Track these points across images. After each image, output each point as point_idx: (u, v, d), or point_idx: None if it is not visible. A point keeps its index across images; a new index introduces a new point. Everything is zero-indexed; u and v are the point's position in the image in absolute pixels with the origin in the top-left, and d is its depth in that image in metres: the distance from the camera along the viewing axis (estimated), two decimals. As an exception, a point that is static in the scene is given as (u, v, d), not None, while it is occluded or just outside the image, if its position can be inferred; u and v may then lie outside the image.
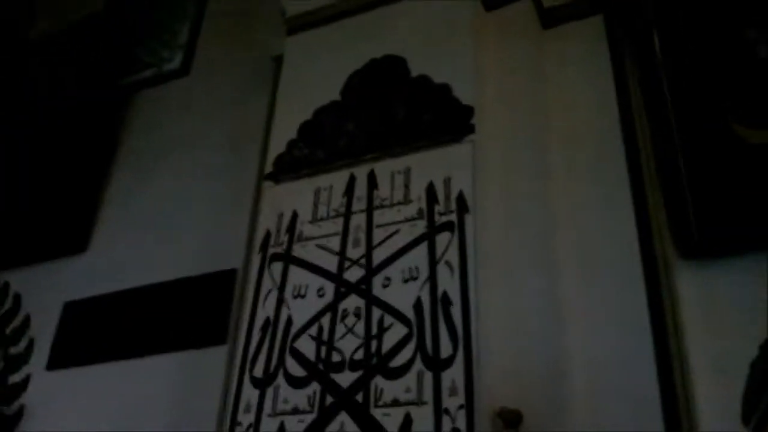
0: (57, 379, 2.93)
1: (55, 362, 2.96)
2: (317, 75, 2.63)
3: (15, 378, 3.02)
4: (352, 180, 2.33)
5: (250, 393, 2.10)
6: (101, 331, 2.94)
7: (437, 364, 1.91)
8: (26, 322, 3.17)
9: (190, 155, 3.23)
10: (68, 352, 2.97)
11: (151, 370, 2.75)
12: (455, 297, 2.00)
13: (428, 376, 1.91)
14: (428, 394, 1.88)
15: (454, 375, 1.89)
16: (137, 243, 3.12)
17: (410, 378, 1.93)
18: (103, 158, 3.45)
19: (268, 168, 2.52)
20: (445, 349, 1.93)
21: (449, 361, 1.91)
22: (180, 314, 2.79)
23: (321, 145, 2.45)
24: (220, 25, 3.63)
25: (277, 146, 2.55)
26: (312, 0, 2.77)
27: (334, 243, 2.24)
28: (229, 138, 3.14)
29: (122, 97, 3.66)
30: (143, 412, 2.63)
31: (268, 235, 2.37)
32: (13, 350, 3.12)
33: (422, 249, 2.10)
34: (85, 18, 3.89)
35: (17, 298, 3.28)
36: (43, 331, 3.10)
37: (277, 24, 2.99)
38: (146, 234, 3.12)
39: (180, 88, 3.53)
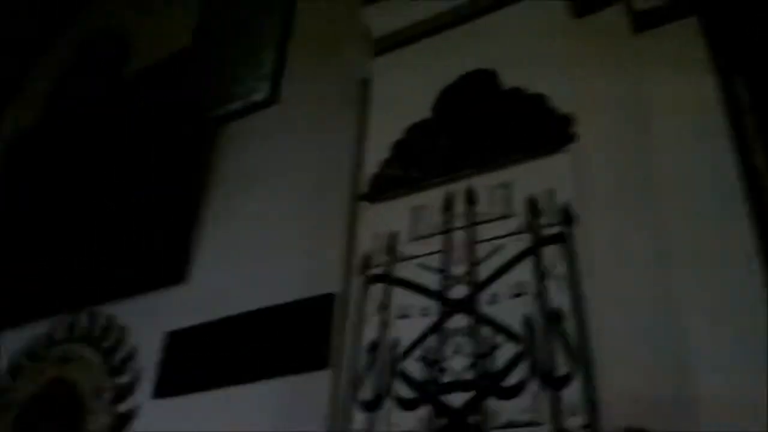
0: (163, 408, 2.98)
1: (161, 391, 3.01)
2: (407, 93, 2.62)
3: (123, 407, 3.09)
4: (449, 197, 2.30)
5: (359, 417, 2.07)
6: (204, 360, 2.97)
7: (554, 383, 1.84)
8: (132, 352, 3.25)
9: (282, 181, 3.26)
10: (173, 381, 3.01)
11: (253, 397, 2.75)
12: (568, 311, 1.92)
13: (545, 396, 1.84)
14: (546, 414, 1.81)
15: (573, 393, 1.81)
16: (234, 271, 3.16)
17: (526, 398, 1.86)
18: (196, 189, 3.52)
19: (363, 188, 2.51)
20: (562, 367, 1.85)
21: (567, 379, 1.83)
22: (280, 340, 2.80)
23: (415, 163, 2.43)
24: (304, 52, 3.67)
25: (371, 166, 2.54)
26: (397, 20, 2.76)
27: (436, 261, 2.20)
28: (319, 161, 3.16)
29: (212, 129, 3.73)
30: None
31: (367, 256, 2.35)
32: (120, 380, 3.19)
33: (529, 263, 2.05)
34: (176, 53, 4.00)
35: (123, 329, 3.37)
36: (148, 361, 3.16)
37: (363, 46, 3.00)
38: (242, 261, 3.16)
39: (268, 114, 3.58)
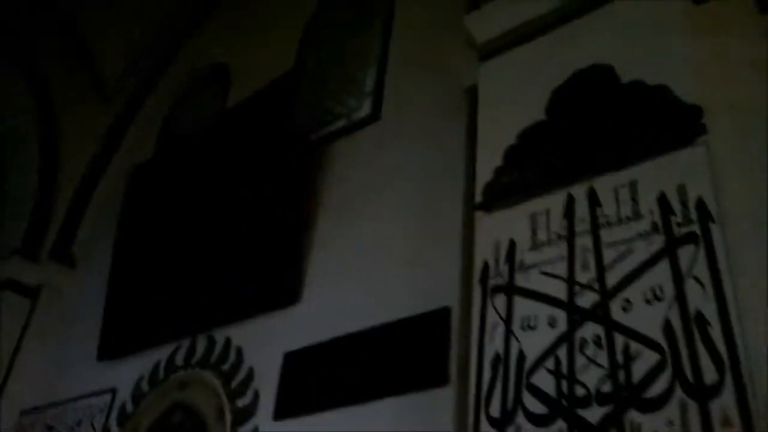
0: (284, 429, 2.97)
1: (282, 412, 3.01)
2: (516, 97, 2.53)
3: (244, 429, 3.10)
4: (570, 200, 2.19)
5: (489, 434, 1.97)
6: (322, 379, 2.95)
7: (702, 393, 1.69)
8: (250, 374, 3.27)
9: (389, 196, 3.23)
10: (292, 402, 3.01)
11: (374, 416, 2.71)
12: (712, 316, 1.77)
13: (692, 407, 1.69)
14: (696, 427, 1.66)
15: (724, 404, 1.66)
16: (348, 289, 3.14)
17: (671, 410, 1.72)
18: (305, 210, 3.53)
19: (478, 198, 2.43)
20: (709, 376, 1.70)
21: (716, 389, 1.68)
22: (398, 357, 2.74)
23: (531, 168, 2.33)
24: (404, 67, 3.65)
25: (484, 174, 2.46)
26: (501, 23, 2.69)
27: (560, 268, 2.10)
28: (428, 174, 3.11)
29: (316, 151, 3.75)
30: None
31: (486, 267, 2.27)
32: (240, 403, 3.22)
33: (663, 266, 1.91)
34: (277, 80, 4.06)
35: (239, 351, 3.40)
36: (266, 382, 3.17)
37: (466, 54, 2.94)
38: (355, 279, 3.14)
39: (371, 132, 3.56)
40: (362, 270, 3.13)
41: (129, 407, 3.81)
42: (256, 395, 3.18)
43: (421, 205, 3.05)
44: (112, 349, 4.12)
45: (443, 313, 2.68)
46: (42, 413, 4.41)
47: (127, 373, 3.96)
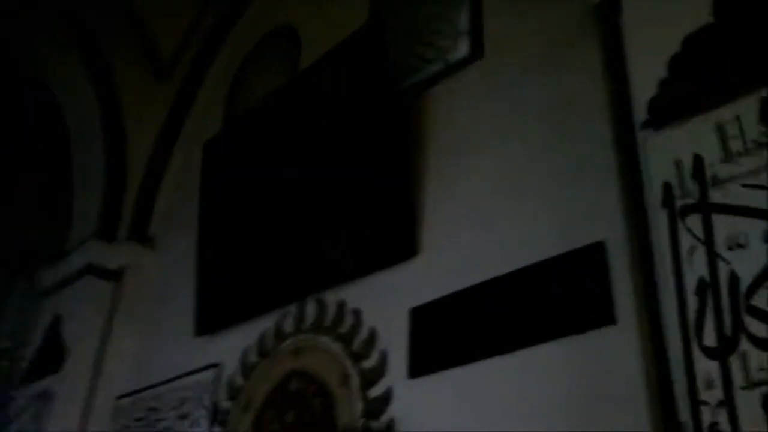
0: (422, 387, 2.79)
1: (417, 370, 2.83)
2: (672, 4, 2.28)
3: (376, 392, 2.93)
4: (765, 104, 1.94)
5: (706, 366, 1.76)
6: (460, 332, 2.76)
7: None
8: (372, 334, 3.09)
9: (508, 136, 3.00)
10: (428, 358, 2.82)
11: (525, 365, 2.51)
12: None
13: None
14: None
15: None
16: (472, 236, 2.94)
17: None
18: (410, 159, 3.31)
19: (640, 116, 2.20)
20: None
21: None
22: (547, 301, 2.53)
23: (706, 76, 2.09)
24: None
25: (644, 90, 2.23)
26: None
27: (764, 178, 1.86)
28: (553, 105, 2.87)
29: (412, 97, 3.53)
30: (536, 411, 2.40)
31: (668, 187, 2.04)
32: (366, 364, 3.04)
33: None
34: (356, 32, 3.82)
35: (356, 312, 3.22)
36: (392, 341, 2.99)
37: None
38: (480, 225, 2.93)
39: (475, 69, 3.33)
40: (487, 215, 2.93)
41: (238, 380, 3.66)
42: (383, 355, 3.00)
43: (550, 138, 2.82)
44: (210, 323, 3.98)
45: (596, 248, 2.46)
46: (141, 396, 4.29)
47: (230, 346, 3.82)
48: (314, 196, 3.61)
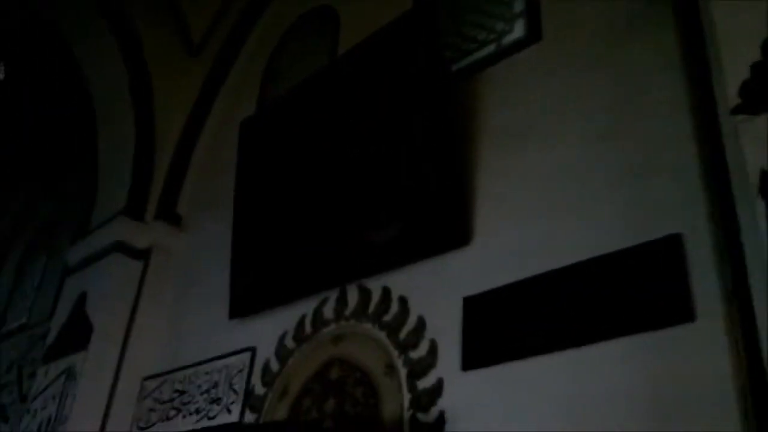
0: (477, 380, 2.69)
1: (471, 362, 2.71)
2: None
3: (425, 383, 2.82)
4: None
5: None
6: (516, 325, 2.65)
7: None
8: (421, 323, 2.98)
9: (571, 121, 2.88)
10: (482, 351, 2.71)
11: (594, 362, 2.40)
12: None
13: None
14: None
15: None
16: (528, 226, 2.82)
17: None
18: (460, 144, 3.19)
19: (732, 100, 2.07)
20: None
21: None
22: (617, 295, 2.41)
23: (807, 60, 1.96)
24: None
25: (735, 73, 2.09)
26: None
27: None
28: (619, 91, 2.75)
29: (463, 81, 3.41)
30: (599, 411, 2.29)
31: (765, 176, 1.91)
32: (413, 354, 2.93)
33: None
34: (401, 16, 3.69)
35: (403, 299, 3.11)
36: (443, 331, 2.88)
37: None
38: (536, 215, 2.82)
39: (532, 53, 3.20)
40: (550, 202, 2.80)
41: (274, 365, 3.57)
42: (433, 346, 2.89)
43: (622, 125, 2.69)
44: (245, 306, 3.88)
45: (672, 241, 2.34)
46: (168, 378, 4.20)
47: (266, 331, 3.72)
48: (360, 179, 3.49)
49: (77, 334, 4.53)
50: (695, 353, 2.15)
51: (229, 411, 3.66)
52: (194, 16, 5.55)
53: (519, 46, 3.31)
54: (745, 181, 1.98)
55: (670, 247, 2.34)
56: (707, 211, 2.26)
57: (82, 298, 4.72)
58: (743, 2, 2.17)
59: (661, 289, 2.31)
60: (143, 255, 4.74)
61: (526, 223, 2.84)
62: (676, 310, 2.24)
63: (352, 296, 3.36)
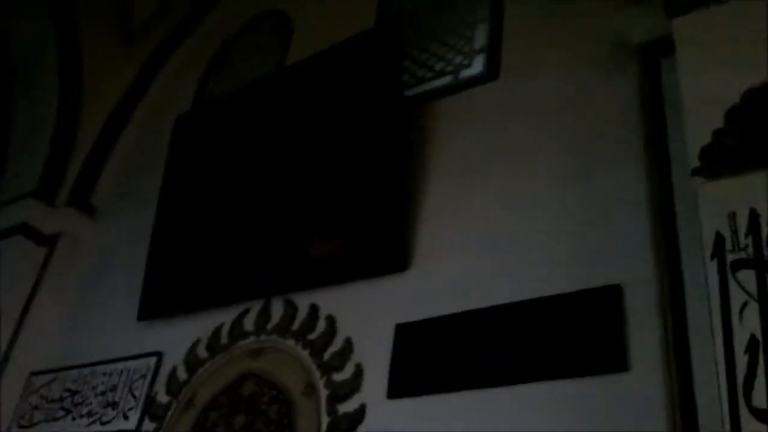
0: (402, 409, 2.62)
1: (397, 390, 2.65)
2: (731, 56, 2.24)
3: (347, 407, 2.74)
4: (830, 167, 1.90)
5: (756, 428, 1.68)
6: (449, 357, 2.61)
7: None
8: (348, 345, 2.90)
9: (522, 160, 2.90)
10: (411, 380, 2.65)
11: (518, 401, 2.39)
12: None
13: None
14: None
15: None
16: (468, 260, 2.81)
17: None
18: (407, 170, 3.16)
19: (693, 162, 2.13)
20: None
21: None
22: (553, 338, 2.42)
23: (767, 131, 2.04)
24: (528, 22, 3.30)
25: (697, 137, 2.16)
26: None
27: (826, 244, 1.81)
28: (570, 137, 2.79)
29: (415, 108, 3.39)
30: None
31: (720, 239, 1.96)
32: (337, 377, 2.84)
33: None
34: (350, 39, 3.67)
35: (331, 319, 3.02)
36: (370, 356, 2.81)
37: (630, 7, 2.67)
38: (482, 250, 2.80)
39: (490, 90, 3.23)
40: (491, 241, 2.80)
41: (182, 374, 3.38)
42: (359, 370, 2.81)
43: (574, 169, 2.73)
44: (156, 308, 3.68)
45: (613, 291, 2.37)
46: (59, 375, 3.91)
47: (176, 336, 3.54)
48: (302, 191, 3.40)
49: (-38, 315, 4.16)
50: (628, 402, 2.16)
51: (125, 417, 3.43)
52: (137, 2, 5.32)
53: (476, 81, 3.33)
54: (697, 240, 2.03)
55: (610, 297, 2.36)
56: (652, 264, 2.30)
57: (-28, 278, 4.35)
58: (712, 71, 2.27)
59: (598, 337, 2.33)
60: (48, 241, 4.44)
61: (466, 256, 2.82)
62: (611, 358, 2.26)
63: (277, 310, 3.24)
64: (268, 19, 4.74)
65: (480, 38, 3.48)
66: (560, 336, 2.41)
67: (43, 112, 4.85)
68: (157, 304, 3.66)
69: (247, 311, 3.34)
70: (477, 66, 3.40)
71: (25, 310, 4.18)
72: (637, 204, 2.45)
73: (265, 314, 3.26)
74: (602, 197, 2.59)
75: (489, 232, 2.82)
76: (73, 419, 3.66)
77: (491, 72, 3.29)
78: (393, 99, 3.29)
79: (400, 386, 2.66)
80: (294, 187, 3.43)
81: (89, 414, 3.60)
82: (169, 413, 3.28)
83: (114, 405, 3.52)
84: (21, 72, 5.00)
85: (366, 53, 3.51)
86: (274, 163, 3.57)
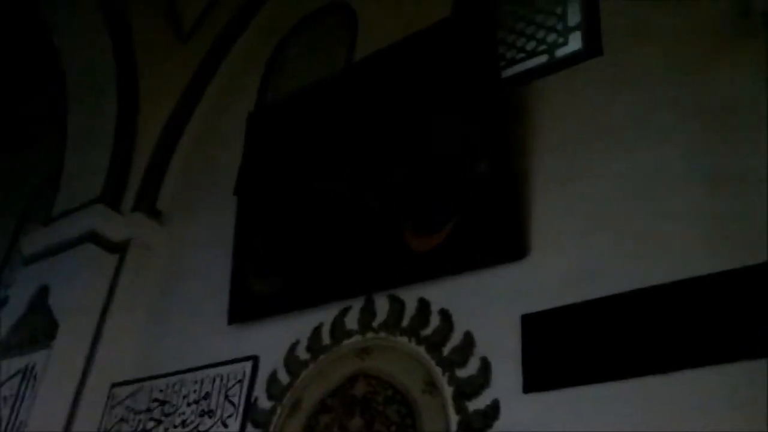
0: (539, 403, 2.48)
1: (534, 384, 2.51)
2: None
3: (477, 404, 2.60)
4: None
5: None
6: (588, 346, 2.47)
7: None
8: (468, 339, 2.76)
9: (641, 139, 2.76)
10: (546, 372, 2.51)
11: (668, 390, 2.25)
12: None
13: None
14: None
15: None
16: (592, 246, 2.67)
17: None
18: (511, 152, 3.01)
19: None
20: None
21: None
22: (696, 323, 2.27)
23: None
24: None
25: None
26: None
27: None
28: (699, 111, 2.65)
29: (513, 90, 3.25)
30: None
31: None
32: (461, 373, 2.70)
33: None
34: (436, 25, 3.53)
35: (445, 313, 2.89)
36: (496, 349, 2.68)
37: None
38: (595, 234, 2.67)
39: (592, 69, 3.09)
40: (613, 220, 2.67)
41: (283, 377, 3.25)
42: (485, 364, 2.67)
43: (700, 143, 2.59)
44: (247, 311, 3.56)
45: (758, 272, 2.22)
46: (144, 385, 3.80)
47: (270, 339, 3.42)
48: (391, 183, 3.27)
49: (38, 329, 4.06)
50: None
51: (225, 425, 3.31)
52: (185, 2, 5.21)
53: (577, 59, 3.19)
54: None
55: (753, 279, 2.22)
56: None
57: (43, 291, 4.25)
58: None
59: (748, 319, 2.18)
60: (119, 248, 4.33)
61: (588, 241, 2.70)
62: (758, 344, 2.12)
63: (381, 306, 3.11)
64: (328, 13, 4.61)
65: (574, 15, 3.34)
66: (716, 318, 2.26)
67: (101, 118, 4.73)
68: (248, 306, 3.55)
69: (347, 309, 3.21)
70: (574, 43, 3.26)
71: (102, 320, 4.07)
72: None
73: (368, 311, 3.13)
74: (736, 167, 2.44)
75: (611, 214, 2.69)
76: (166, 429, 3.54)
77: (593, 48, 3.15)
78: (490, 82, 3.15)
79: (536, 380, 2.52)
80: (387, 180, 3.30)
81: (183, 424, 3.48)
82: (274, 418, 3.15)
83: (210, 413, 3.40)
84: (75, 81, 4.88)
85: (456, 38, 3.37)
86: (364, 156, 3.44)
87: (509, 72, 3.39)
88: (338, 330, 3.19)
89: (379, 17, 4.22)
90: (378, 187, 3.33)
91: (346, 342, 3.14)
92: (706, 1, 2.87)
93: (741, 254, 2.31)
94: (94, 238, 4.28)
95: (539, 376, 2.52)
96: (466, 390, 2.66)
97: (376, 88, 3.61)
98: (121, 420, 3.78)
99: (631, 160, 2.74)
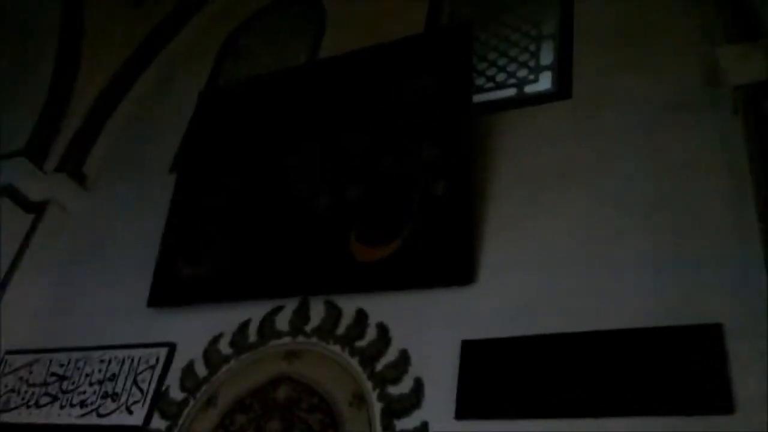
0: (470, 431, 2.46)
1: (467, 411, 2.49)
2: None
3: (406, 424, 2.56)
4: None
5: None
6: (527, 380, 2.48)
7: None
8: (404, 358, 2.73)
9: (601, 187, 2.82)
10: (482, 401, 2.50)
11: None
12: None
13: None
14: None
15: None
16: (540, 283, 2.70)
17: None
18: (467, 177, 3.02)
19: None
20: None
21: None
22: (637, 371, 2.33)
23: None
24: (600, 47, 3.25)
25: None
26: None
27: None
28: (664, 167, 2.74)
29: (475, 116, 3.27)
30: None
31: None
32: (392, 390, 2.66)
33: None
34: (412, 37, 3.54)
35: (383, 327, 2.84)
36: (432, 371, 2.65)
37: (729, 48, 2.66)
38: (551, 274, 2.71)
39: (560, 110, 3.15)
40: (567, 263, 2.71)
41: (200, 369, 3.11)
42: (418, 384, 2.64)
43: (659, 196, 2.67)
44: (170, 295, 3.38)
45: (714, 330, 2.30)
46: (42, 357, 3.55)
47: (191, 327, 3.28)
48: (344, 185, 3.22)
49: (-69, 281, 3.74)
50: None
51: (129, 411, 3.13)
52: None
53: (545, 98, 3.25)
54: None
55: (710, 336, 2.29)
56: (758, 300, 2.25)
57: (-57, 241, 3.92)
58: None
59: (696, 374, 2.25)
60: (36, 208, 4.05)
61: (537, 277, 2.73)
62: (713, 399, 2.19)
63: (317, 311, 3.03)
64: (295, 6, 4.52)
65: (547, 55, 3.40)
66: (653, 371, 2.32)
67: (38, 69, 4.46)
68: (171, 290, 3.39)
69: (279, 308, 3.12)
70: (544, 82, 3.32)
71: (5, 281, 3.78)
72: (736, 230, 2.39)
73: (302, 314, 3.05)
74: (685, 229, 2.53)
75: (563, 255, 2.72)
76: (62, 407, 3.32)
77: (563, 90, 3.21)
78: (460, 104, 3.16)
79: (471, 406, 2.51)
80: (339, 182, 3.24)
81: (82, 404, 3.27)
82: (185, 411, 3.01)
83: (114, 396, 3.22)
84: (17, 21, 4.57)
85: (430, 55, 3.37)
86: (318, 155, 3.37)
87: (476, 98, 3.39)
88: (267, 328, 3.09)
89: (351, 20, 4.17)
90: (329, 188, 3.26)
91: (274, 342, 3.04)
92: (677, 65, 2.98)
93: (683, 311, 2.38)
94: (11, 193, 3.99)
95: (473, 403, 2.51)
96: (396, 408, 2.61)
97: (341, 88, 3.56)
98: (11, 390, 3.52)
99: (587, 206, 2.80)
